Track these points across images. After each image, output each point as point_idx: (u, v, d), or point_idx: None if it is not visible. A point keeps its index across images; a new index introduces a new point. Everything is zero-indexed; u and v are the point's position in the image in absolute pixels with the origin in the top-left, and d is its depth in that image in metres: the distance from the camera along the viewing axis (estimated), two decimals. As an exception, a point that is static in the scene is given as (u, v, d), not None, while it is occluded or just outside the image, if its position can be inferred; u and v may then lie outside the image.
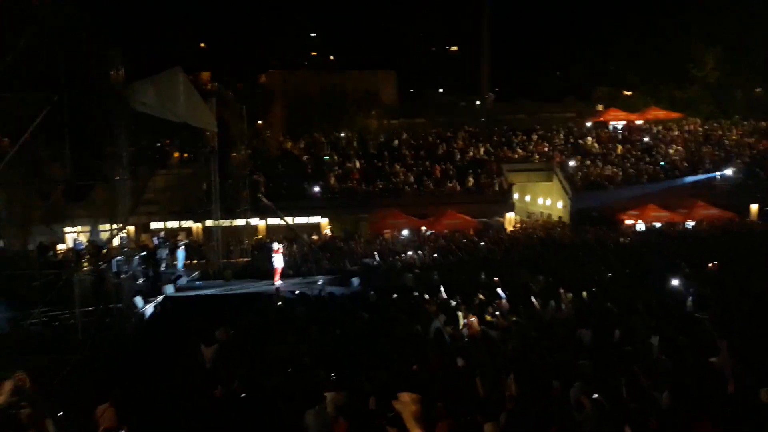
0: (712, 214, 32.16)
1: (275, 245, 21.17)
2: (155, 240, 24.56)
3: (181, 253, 23.43)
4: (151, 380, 11.36)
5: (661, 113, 47.09)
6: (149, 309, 16.85)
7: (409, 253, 24.34)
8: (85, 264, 16.82)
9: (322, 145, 40.55)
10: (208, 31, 51.85)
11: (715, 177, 34.78)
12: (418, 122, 55.65)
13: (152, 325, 16.20)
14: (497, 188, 34.39)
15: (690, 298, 14.70)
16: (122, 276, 16.42)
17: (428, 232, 30.84)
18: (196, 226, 30.13)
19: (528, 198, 43.40)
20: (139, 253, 20.58)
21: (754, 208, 34.46)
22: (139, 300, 16.37)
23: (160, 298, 18.04)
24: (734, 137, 40.79)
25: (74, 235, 24.21)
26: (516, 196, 36.70)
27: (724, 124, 44.62)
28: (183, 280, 21.15)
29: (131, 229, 26.32)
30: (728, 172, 34.80)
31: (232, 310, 15.42)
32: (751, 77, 53.79)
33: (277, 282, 20.15)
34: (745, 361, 9.98)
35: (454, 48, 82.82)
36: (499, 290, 16.17)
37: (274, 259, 20.64)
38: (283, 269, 20.95)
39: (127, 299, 15.77)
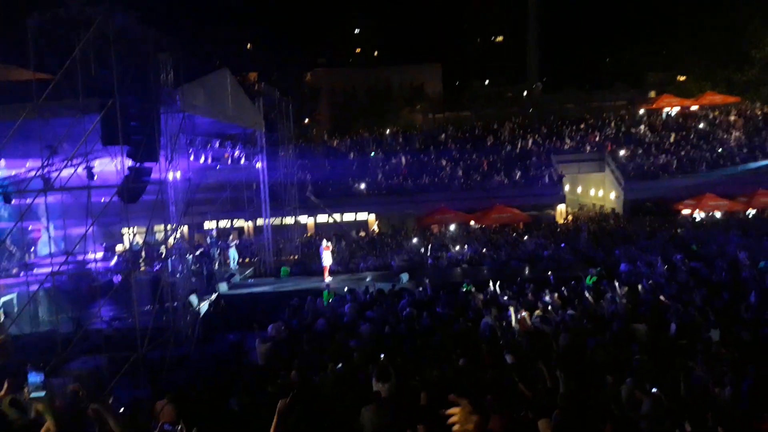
0: (774, 202, 30.87)
1: (324, 242, 21.36)
2: (208, 239, 25.16)
3: (233, 251, 23.91)
4: (207, 376, 11.64)
5: (717, 97, 45.38)
6: (204, 307, 17.25)
7: (458, 247, 24.18)
8: (142, 264, 17.37)
9: (368, 141, 40.68)
10: (254, 32, 52.60)
11: (777, 162, 33.34)
12: (464, 115, 55.22)
13: (207, 323, 16.59)
14: (547, 180, 33.79)
15: (753, 291, 14.11)
16: (177, 275, 16.85)
17: (477, 227, 30.61)
18: (247, 224, 30.73)
19: (579, 189, 42.50)
20: (193, 252, 21.11)
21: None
22: (194, 298, 16.76)
23: (214, 296, 18.45)
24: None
25: (130, 236, 25.02)
26: (567, 187, 36.02)
27: (786, 107, 42.64)
28: (236, 278, 21.58)
29: (185, 228, 27.00)
30: (791, 156, 33.30)
31: (284, 307, 15.64)
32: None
33: (327, 279, 20.34)
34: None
35: (500, 38, 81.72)
36: (552, 284, 15.93)
37: (323, 256, 20.84)
38: (331, 266, 21.11)
39: (182, 298, 16.19)
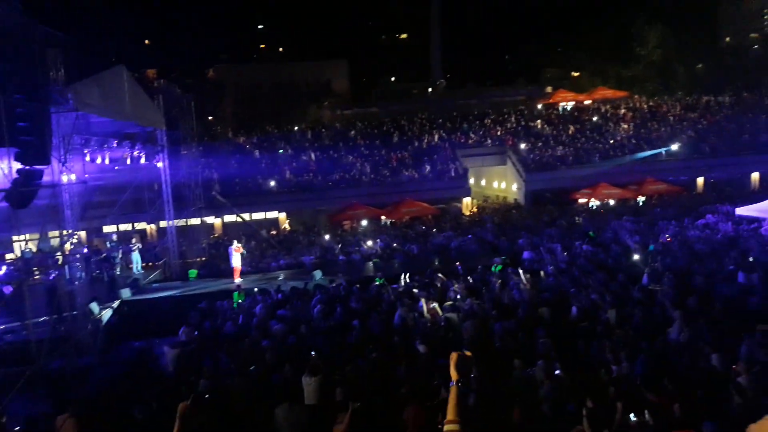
0: (661, 189, 33.19)
1: (234, 244, 20.89)
2: (108, 243, 23.97)
3: (136, 255, 22.92)
4: (111, 387, 11.14)
5: (608, 92, 48.20)
6: (107, 314, 16.46)
7: (369, 242, 24.37)
8: (36, 272, 16.35)
9: (276, 138, 40.15)
10: (152, 27, 50.49)
11: (661, 153, 35.79)
12: (372, 111, 55.62)
13: (110, 331, 15.84)
14: (453, 174, 34.68)
15: (646, 272, 15.14)
16: (76, 282, 15.97)
17: (387, 221, 30.97)
18: (149, 227, 29.53)
19: (483, 182, 43.90)
20: (92, 258, 20.07)
21: (700, 181, 35.71)
22: (94, 306, 15.96)
23: (117, 303, 17.63)
24: (678, 113, 42.01)
25: (22, 244, 23.44)
26: (472, 180, 37.09)
27: (668, 100, 45.90)
28: (139, 283, 20.69)
29: (83, 233, 25.62)
30: (674, 147, 35.87)
31: (193, 311, 15.18)
32: (692, 54, 55.53)
33: (237, 280, 19.94)
34: (699, 330, 10.35)
35: (404, 35, 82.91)
36: (460, 274, 16.39)
37: (232, 258, 20.40)
38: (242, 267, 20.71)
39: (81, 306, 15.36)
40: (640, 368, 8.92)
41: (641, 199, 32.58)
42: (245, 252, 22.33)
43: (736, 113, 40.64)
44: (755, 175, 35.48)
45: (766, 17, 78.36)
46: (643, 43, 53.54)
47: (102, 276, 19.50)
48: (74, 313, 14.72)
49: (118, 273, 20.96)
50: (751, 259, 15.78)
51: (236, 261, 20.38)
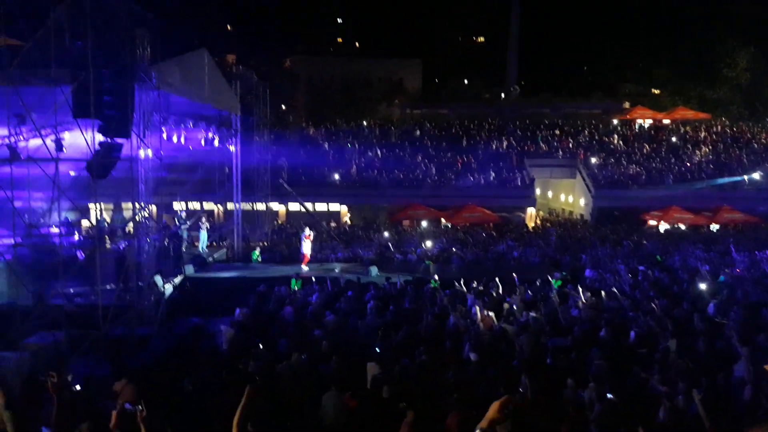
0: (737, 218, 31.65)
1: (306, 231, 21.19)
2: (177, 220, 24.81)
3: (203, 233, 23.66)
4: (168, 358, 11.53)
5: (689, 113, 46.37)
6: (170, 289, 17.03)
7: (427, 244, 24.31)
8: (108, 241, 17.08)
9: (344, 132, 40.58)
10: (235, 14, 51.83)
11: (742, 180, 34.15)
12: (442, 113, 55.37)
13: (172, 305, 16.39)
14: (519, 182, 34.14)
15: (712, 303, 14.50)
16: (144, 255, 16.60)
17: (447, 224, 30.81)
18: (217, 207, 30.39)
19: (550, 194, 43.06)
20: (161, 232, 20.81)
21: (780, 213, 33.88)
22: (159, 279, 16.54)
23: (180, 278, 18.22)
24: (764, 140, 39.97)
25: (97, 213, 24.54)
26: (538, 191, 36.44)
27: (754, 126, 43.71)
28: (203, 261, 21.34)
29: (153, 208, 26.59)
30: (756, 176, 34.15)
31: (251, 294, 15.54)
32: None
33: (305, 268, 20.22)
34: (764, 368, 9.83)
35: (481, 39, 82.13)
36: (517, 285, 16.13)
37: (303, 244, 20.70)
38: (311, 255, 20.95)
39: (147, 278, 15.96)
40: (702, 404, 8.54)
41: (715, 226, 31.17)
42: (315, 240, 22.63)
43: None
44: None
45: None
46: (731, 64, 51.17)
47: (169, 251, 20.17)
48: (140, 283, 15.31)
49: (184, 250, 21.66)
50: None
51: (306, 248, 20.67)
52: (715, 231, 30.31)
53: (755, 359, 10.04)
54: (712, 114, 47.33)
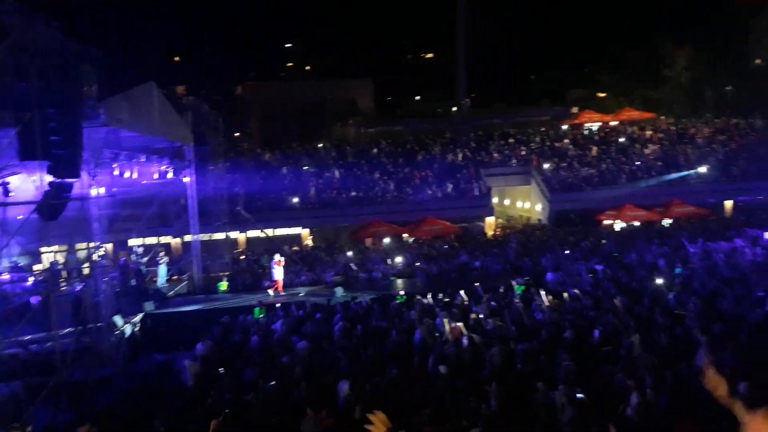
0: (688, 212, 32.67)
1: (276, 257, 20.98)
2: (134, 257, 24.32)
3: (161, 268, 23.21)
4: (132, 399, 11.23)
5: (634, 113, 47.80)
6: (130, 327, 16.63)
7: (391, 260, 24.36)
8: (63, 284, 16.61)
9: (301, 155, 40.51)
10: (183, 45, 51.50)
11: (690, 175, 35.30)
12: (396, 130, 55.84)
13: (133, 344, 16.01)
14: (476, 192, 34.58)
15: (671, 296, 14.88)
16: (101, 295, 16.20)
17: (410, 239, 30.94)
18: (174, 241, 29.88)
19: (507, 201, 43.70)
20: (118, 270, 20.36)
21: (728, 204, 35.07)
22: (118, 319, 16.15)
23: (140, 316, 17.81)
24: (707, 135, 41.46)
25: (50, 255, 23.88)
26: (495, 199, 36.93)
27: (697, 122, 45.35)
28: (164, 296, 20.92)
29: (109, 246, 26.03)
30: (702, 169, 35.36)
31: (214, 326, 15.29)
32: (722, 76, 54.84)
33: (271, 293, 19.97)
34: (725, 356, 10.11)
35: (430, 55, 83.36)
36: (481, 294, 16.27)
37: (274, 271, 20.46)
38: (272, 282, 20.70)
39: (105, 318, 15.57)
40: (665, 395, 8.74)
41: (667, 221, 32.09)
42: (268, 266, 22.42)
43: (767, 136, 39.93)
44: (786, 199, 34.77)
45: (797, 39, 77.24)
46: (671, 64, 53.10)
47: (126, 289, 19.74)
48: (98, 324, 14.93)
49: (143, 286, 21.21)
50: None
51: (278, 274, 20.45)
52: (667, 226, 31.17)
53: (713, 347, 10.32)
54: (656, 113, 48.91)
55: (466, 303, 15.52)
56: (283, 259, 21.37)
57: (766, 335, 11.47)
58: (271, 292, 20.09)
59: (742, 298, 14.59)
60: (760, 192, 34.51)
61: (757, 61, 66.09)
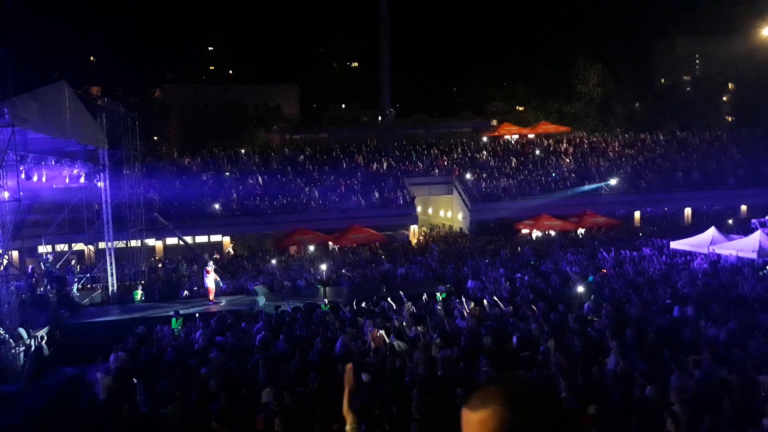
0: (600, 222, 34.30)
1: (208, 265, 20.32)
2: (43, 264, 23.01)
3: (72, 277, 22.05)
4: (40, 415, 10.62)
5: (550, 127, 49.76)
6: (36, 339, 15.70)
7: (315, 268, 24.20)
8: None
9: (222, 160, 39.66)
10: (98, 44, 49.25)
11: (601, 187, 37.08)
12: (321, 137, 55.74)
13: (40, 357, 15.12)
14: (401, 201, 34.95)
15: (586, 303, 15.55)
16: (5, 305, 15.21)
17: (335, 247, 30.86)
18: (87, 248, 28.48)
19: (430, 210, 44.40)
20: (23, 279, 19.22)
21: (637, 215, 37.12)
22: (22, 330, 15.21)
23: (48, 327, 16.84)
24: (617, 149, 43.72)
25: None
26: (419, 208, 37.44)
27: (607, 137, 47.74)
28: (75, 306, 19.87)
29: (15, 253, 24.51)
30: (612, 182, 37.23)
31: (129, 336, 14.68)
32: (630, 93, 58.17)
33: (211, 302, 19.35)
34: (634, 360, 10.66)
35: (355, 63, 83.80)
36: (404, 302, 16.43)
37: (206, 278, 19.81)
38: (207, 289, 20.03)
39: (10, 330, 14.63)
40: (576, 398, 9.11)
41: (581, 231, 33.55)
42: (186, 275, 21.79)
43: (671, 151, 42.57)
44: (688, 211, 37.14)
45: (697, 61, 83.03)
46: (584, 81, 55.77)
47: (34, 298, 18.65)
48: (2, 336, 14.03)
49: (51, 296, 20.08)
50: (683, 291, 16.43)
51: (210, 282, 19.79)
52: (581, 235, 32.61)
53: (623, 352, 10.88)
54: (571, 127, 51.14)
55: (391, 310, 15.63)
56: (213, 266, 20.80)
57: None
58: (212, 300, 19.47)
59: (650, 303, 15.46)
60: (665, 204, 36.78)
61: (662, 80, 70.53)
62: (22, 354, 14.56)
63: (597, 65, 55.52)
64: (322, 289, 20.62)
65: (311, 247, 30.82)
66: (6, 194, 16.38)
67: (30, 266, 24.37)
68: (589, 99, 56.09)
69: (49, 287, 20.19)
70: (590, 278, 19.07)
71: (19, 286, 17.44)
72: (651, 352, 11.21)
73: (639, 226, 35.81)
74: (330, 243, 31.38)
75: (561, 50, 56.75)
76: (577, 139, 46.41)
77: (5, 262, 15.30)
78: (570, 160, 41.35)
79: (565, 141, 45.61)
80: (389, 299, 16.52)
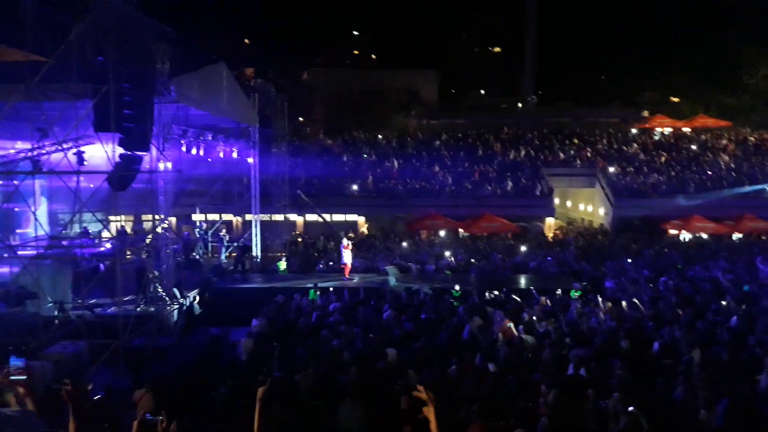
0: (760, 227, 31.11)
1: (344, 241, 21.08)
2: (196, 231, 25.04)
3: (222, 245, 23.83)
4: (187, 368, 11.57)
5: (709, 121, 45.80)
6: (189, 299, 17.15)
7: (446, 253, 24.21)
8: (128, 253, 17.24)
9: (361, 143, 40.71)
10: (253, 28, 52.28)
11: (764, 189, 33.62)
12: (458, 123, 55.31)
13: (190, 315, 16.50)
14: (537, 192, 33.93)
15: (738, 314, 14.24)
16: (163, 266, 16.75)
17: (465, 234, 30.67)
18: (236, 219, 30.60)
19: (569, 203, 42.71)
20: (181, 243, 20.98)
21: (805, 221, 33.25)
22: (177, 291, 16.66)
23: (198, 289, 18.33)
24: (786, 148, 39.35)
25: (118, 224, 24.85)
26: (557, 201, 36.15)
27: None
28: (223, 272, 21.47)
29: (173, 219, 26.88)
30: (779, 183, 33.62)
31: (269, 304, 15.58)
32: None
33: (348, 277, 20.09)
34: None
35: (498, 49, 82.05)
36: (536, 296, 16.01)
37: (343, 254, 20.47)
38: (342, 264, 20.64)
39: (167, 289, 16.10)
40: (722, 414, 8.37)
41: (737, 235, 30.67)
42: (322, 251, 22.63)
43: None
44: None
45: None
46: (751, 72, 50.55)
47: (188, 262, 20.33)
48: (159, 294, 15.44)
49: (203, 261, 21.81)
50: None
51: (347, 257, 20.43)
52: (737, 240, 29.81)
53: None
54: (733, 122, 46.72)
55: (518, 303, 15.31)
56: (350, 243, 21.33)
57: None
58: (346, 276, 20.16)
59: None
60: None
61: None
62: (176, 312, 15.97)
63: (767, 54, 50.05)
64: (451, 275, 20.60)
65: (442, 233, 30.86)
66: (169, 164, 17.94)
67: (185, 232, 26.57)
68: (756, 92, 50.81)
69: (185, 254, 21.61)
70: (746, 288, 17.42)
71: (175, 249, 19.09)
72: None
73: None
74: (461, 230, 31.21)
75: (725, 36, 51.75)
76: (740, 136, 42.31)
77: (165, 226, 16.78)
78: (730, 158, 37.84)
79: (725, 137, 41.79)
80: (517, 292, 16.16)
